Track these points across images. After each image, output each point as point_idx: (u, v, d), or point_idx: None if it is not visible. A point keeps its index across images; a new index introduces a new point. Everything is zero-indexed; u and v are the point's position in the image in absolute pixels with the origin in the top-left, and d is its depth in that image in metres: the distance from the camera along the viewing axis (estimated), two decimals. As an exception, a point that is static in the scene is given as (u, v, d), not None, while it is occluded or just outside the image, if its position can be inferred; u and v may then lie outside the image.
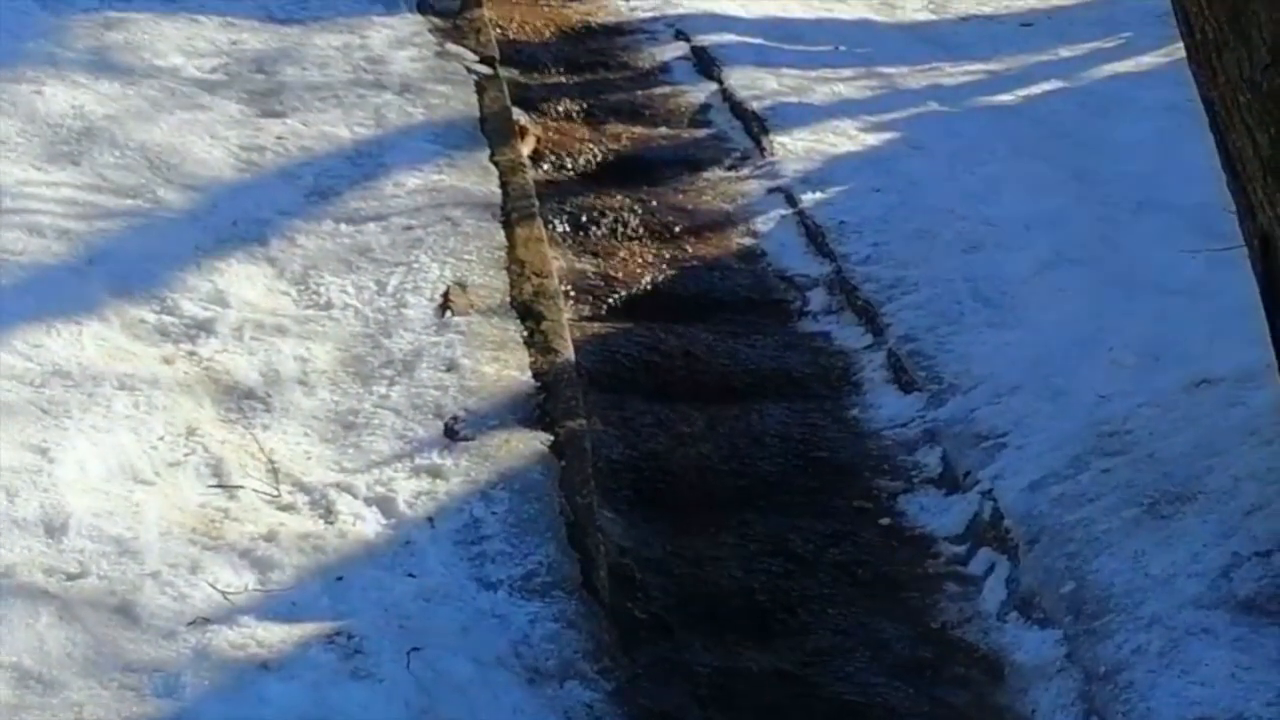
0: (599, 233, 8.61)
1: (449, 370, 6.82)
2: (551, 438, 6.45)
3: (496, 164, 8.69)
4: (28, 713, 4.65)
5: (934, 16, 12.52)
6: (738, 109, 10.38)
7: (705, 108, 10.46)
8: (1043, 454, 6.48)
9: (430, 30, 10.28)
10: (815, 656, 5.59)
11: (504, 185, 8.47)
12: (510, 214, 8.16)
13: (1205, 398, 6.49)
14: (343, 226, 7.79)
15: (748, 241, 8.72)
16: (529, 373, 6.90)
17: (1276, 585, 5.55)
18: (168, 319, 6.84)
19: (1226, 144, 5.44)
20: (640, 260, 8.36)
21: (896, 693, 5.40)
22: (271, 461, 6.09)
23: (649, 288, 8.14)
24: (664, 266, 8.37)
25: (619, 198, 9.05)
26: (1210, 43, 5.43)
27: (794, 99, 10.28)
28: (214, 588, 5.32)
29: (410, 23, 10.28)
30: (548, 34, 11.78)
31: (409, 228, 7.87)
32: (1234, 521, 5.76)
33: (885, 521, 6.44)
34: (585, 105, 10.35)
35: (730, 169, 9.52)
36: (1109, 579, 5.72)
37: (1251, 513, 5.78)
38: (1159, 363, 6.84)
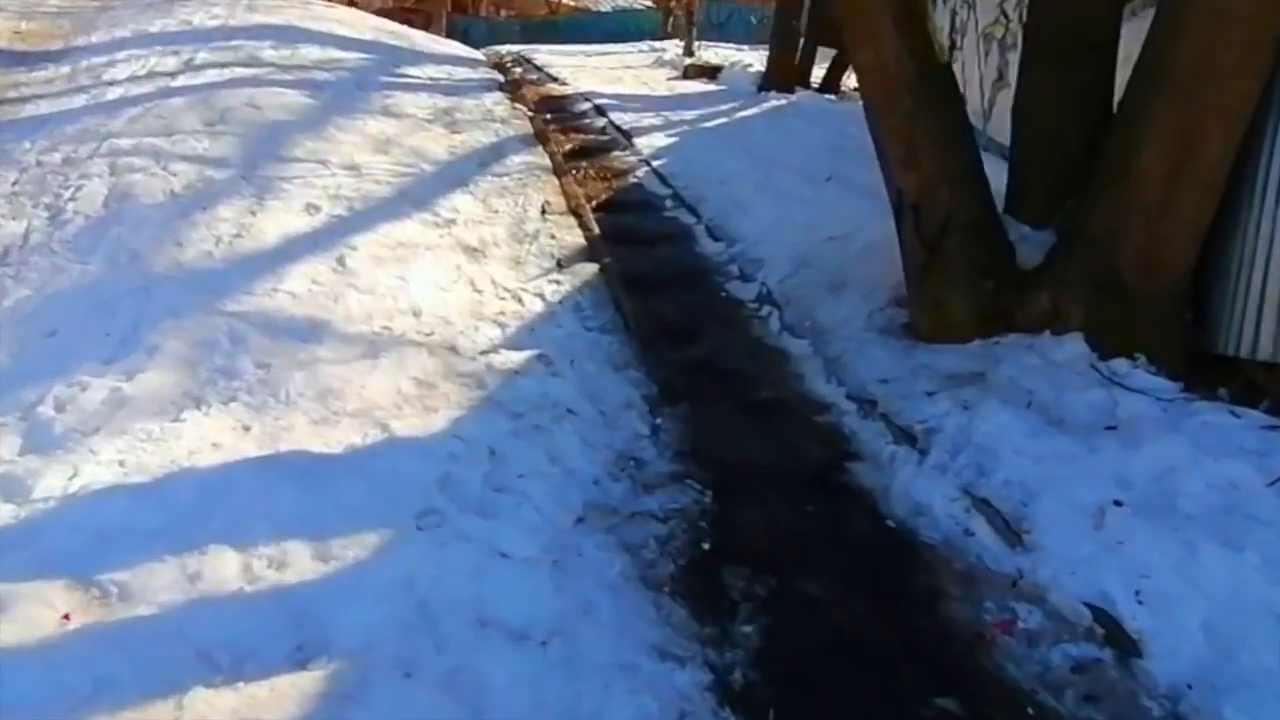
0: (583, 178, 7.41)
1: (553, 238, 5.78)
2: (598, 265, 5.50)
3: (548, 153, 7.50)
4: (425, 400, 3.79)
5: (668, 93, 11.24)
6: (618, 128, 9.12)
7: (604, 128, 9.22)
8: (779, 267, 5.68)
9: (508, 98, 8.94)
10: (711, 351, 4.87)
11: (552, 160, 7.33)
12: (558, 172, 7.05)
13: (836, 244, 5.71)
14: (494, 178, 6.64)
15: (635, 180, 7.65)
16: (582, 238, 5.89)
17: (890, 321, 4.86)
18: (436, 217, 5.72)
19: (885, 151, 4.61)
20: (600, 189, 7.28)
21: (746, 364, 4.74)
22: (492, 279, 5.09)
23: (606, 200, 7.04)
24: (609, 192, 7.27)
25: (584, 163, 7.89)
26: (876, 105, 4.60)
27: (638, 124, 9.13)
28: (486, 337, 4.43)
29: (499, 96, 8.89)
30: (539, 98, 10.29)
31: (521, 178, 6.75)
32: (866, 295, 5.05)
33: (723, 295, 5.56)
34: (563, 126, 9.03)
35: (622, 151, 8.40)
36: (824, 318, 5.02)
37: (871, 291, 5.08)
38: (811, 230, 5.98)
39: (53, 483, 2.94)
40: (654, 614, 2.73)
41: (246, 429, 3.35)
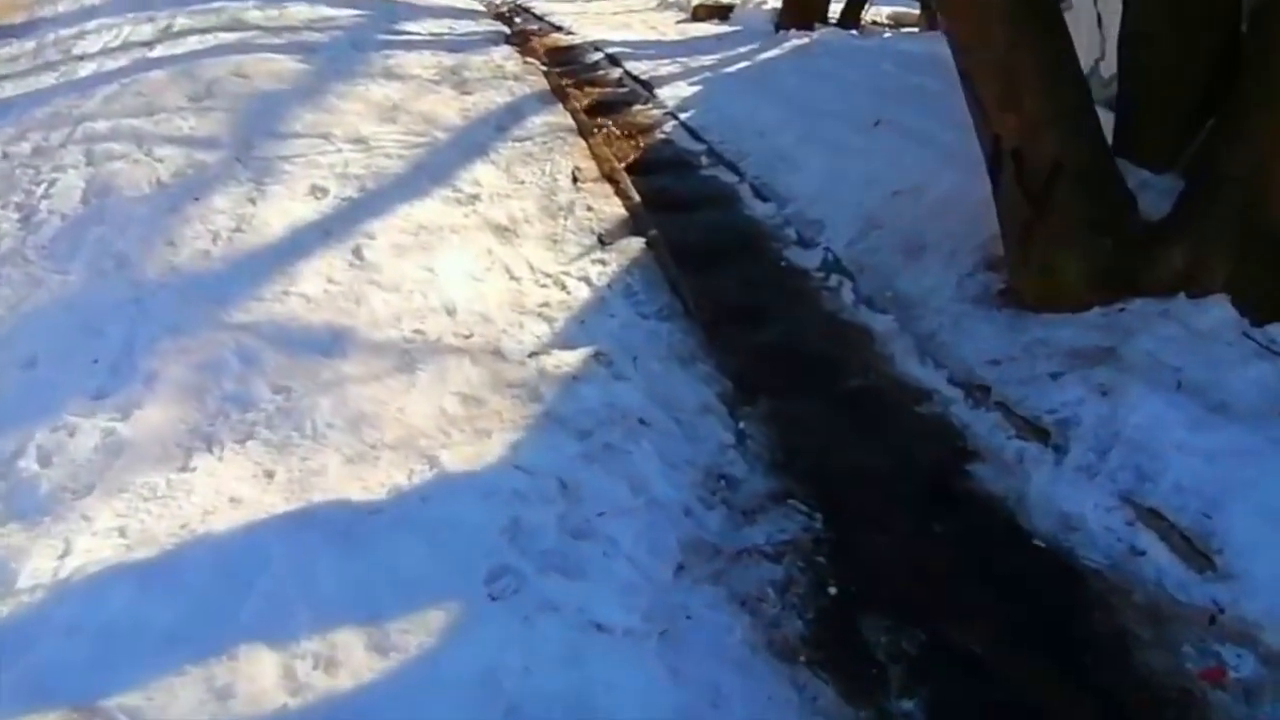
0: (607, 137, 6.65)
1: (589, 210, 5.04)
2: (644, 239, 4.77)
3: (569, 110, 6.72)
4: (474, 421, 3.18)
5: (680, 37, 10.29)
6: (635, 78, 8.22)
7: (620, 79, 8.35)
8: (843, 229, 4.94)
9: (517, 51, 8.14)
10: (783, 333, 4.17)
11: (575, 119, 6.56)
12: (583, 133, 6.29)
13: (902, 200, 5.00)
14: (515, 143, 5.89)
15: (663, 135, 6.81)
16: (621, 208, 5.16)
17: (984, 288, 4.22)
18: (458, 193, 5.02)
19: (977, 90, 3.84)
20: (627, 148, 6.50)
21: (825, 346, 4.04)
22: (529, 262, 4.41)
23: (635, 161, 6.24)
24: (637, 151, 6.49)
25: (603, 119, 7.07)
26: (966, 38, 3.88)
27: (655, 73, 8.24)
28: (532, 335, 3.79)
29: (508, 50, 8.08)
30: (547, 50, 9.38)
31: (544, 141, 6.00)
32: (950, 258, 4.38)
33: (783, 264, 4.81)
34: (577, 80, 8.16)
35: (643, 104, 7.56)
36: (905, 287, 4.37)
37: (954, 252, 4.43)
38: (871, 184, 5.27)
39: (41, 565, 2.39)
40: (795, 698, 2.18)
41: (269, 475, 2.77)
